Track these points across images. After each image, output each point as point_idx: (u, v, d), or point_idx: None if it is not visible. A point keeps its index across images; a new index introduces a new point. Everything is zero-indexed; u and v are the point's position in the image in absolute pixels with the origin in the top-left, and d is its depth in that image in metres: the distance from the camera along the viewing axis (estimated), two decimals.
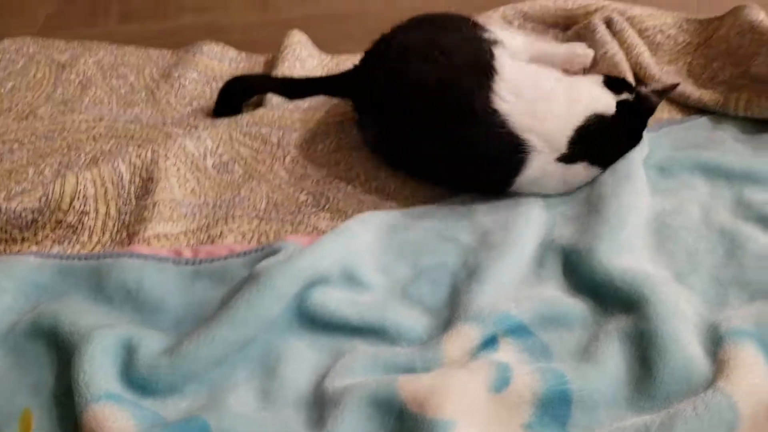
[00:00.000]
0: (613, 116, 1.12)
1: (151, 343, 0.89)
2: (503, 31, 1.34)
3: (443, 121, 1.09)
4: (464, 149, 1.09)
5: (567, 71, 1.31)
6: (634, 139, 1.15)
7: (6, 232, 1.08)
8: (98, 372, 0.83)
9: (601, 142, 1.11)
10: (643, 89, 1.17)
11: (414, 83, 1.11)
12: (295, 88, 1.35)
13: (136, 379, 0.86)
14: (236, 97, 1.36)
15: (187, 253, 1.06)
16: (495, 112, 1.07)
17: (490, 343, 0.89)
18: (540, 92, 1.11)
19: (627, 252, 0.98)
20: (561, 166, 1.09)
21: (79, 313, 0.92)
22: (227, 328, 0.88)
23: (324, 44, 1.57)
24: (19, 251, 1.07)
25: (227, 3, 1.79)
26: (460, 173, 1.12)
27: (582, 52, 1.39)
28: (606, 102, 1.13)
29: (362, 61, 1.27)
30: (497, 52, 1.14)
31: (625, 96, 1.16)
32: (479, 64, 1.11)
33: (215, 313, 0.91)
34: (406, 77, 1.12)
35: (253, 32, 1.67)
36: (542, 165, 1.08)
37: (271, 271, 0.92)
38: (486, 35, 1.20)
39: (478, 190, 1.14)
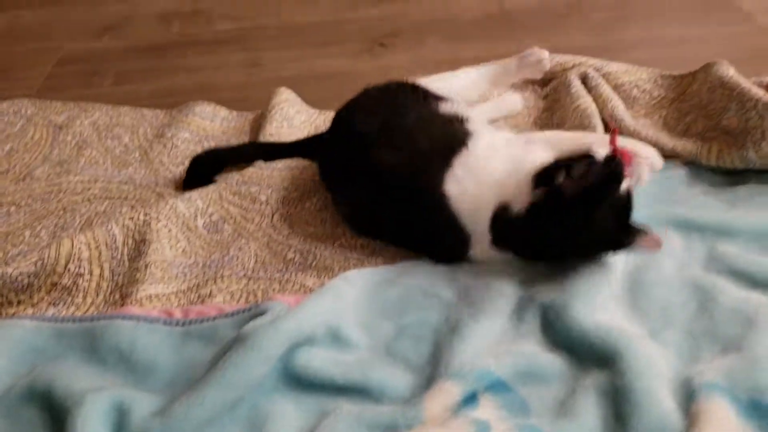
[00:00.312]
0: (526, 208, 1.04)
1: (143, 405, 0.91)
2: (455, 78, 1.42)
3: (398, 201, 1.14)
4: (417, 229, 1.14)
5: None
6: (556, 234, 1.05)
7: (2, 295, 1.11)
8: None
9: (512, 235, 1.08)
10: (561, 179, 1.02)
11: (372, 165, 1.16)
12: (267, 153, 1.41)
13: None
14: (206, 171, 1.40)
15: (178, 314, 1.08)
16: (444, 197, 1.09)
17: (470, 400, 0.92)
18: (486, 177, 1.09)
19: (602, 309, 1.02)
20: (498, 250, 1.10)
21: (72, 377, 0.95)
22: (216, 390, 0.91)
23: (313, 102, 1.63)
24: (14, 314, 1.10)
25: (220, 63, 1.85)
26: (418, 247, 1.16)
27: (537, 57, 1.47)
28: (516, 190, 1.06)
29: (328, 133, 1.34)
30: (457, 128, 1.17)
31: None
32: (435, 148, 1.13)
33: (204, 374, 0.93)
34: (366, 160, 1.17)
35: (245, 90, 1.73)
36: (484, 249, 1.11)
37: (258, 332, 0.95)
38: (444, 108, 1.24)
39: (439, 260, 1.16)
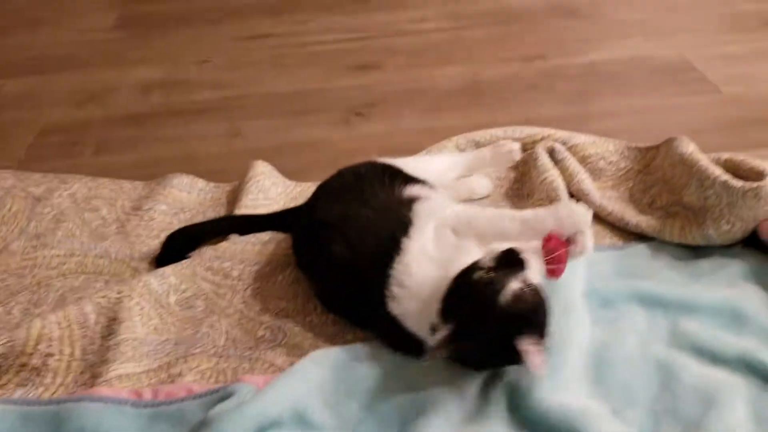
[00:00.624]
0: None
1: None
2: (431, 162, 1.46)
3: (354, 298, 1.17)
4: (376, 326, 1.16)
5: None
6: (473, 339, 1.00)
7: None
8: None
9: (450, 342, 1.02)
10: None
11: (330, 260, 1.18)
12: (242, 226, 1.43)
13: None
14: (181, 248, 1.40)
15: (148, 395, 1.09)
16: (390, 314, 1.10)
17: None
18: (422, 291, 1.08)
19: (565, 388, 1.03)
20: None
21: None
22: None
23: (291, 171, 1.66)
24: None
25: (200, 133, 1.89)
26: (381, 339, 1.17)
27: (508, 148, 1.53)
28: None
29: (300, 213, 1.36)
30: (414, 220, 1.17)
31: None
32: (385, 246, 1.13)
33: None
34: (324, 253, 1.19)
35: (224, 161, 1.75)
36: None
37: (223, 417, 0.96)
38: (407, 192, 1.26)
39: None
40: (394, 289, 1.09)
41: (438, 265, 1.09)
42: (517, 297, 0.98)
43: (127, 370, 1.14)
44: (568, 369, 1.07)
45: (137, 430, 1.03)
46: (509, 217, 1.13)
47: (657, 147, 1.53)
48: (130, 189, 1.63)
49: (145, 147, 1.85)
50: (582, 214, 1.10)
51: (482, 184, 1.52)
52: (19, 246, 1.45)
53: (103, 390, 1.09)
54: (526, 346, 0.95)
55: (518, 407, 1.03)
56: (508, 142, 1.57)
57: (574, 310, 1.16)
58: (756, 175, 1.32)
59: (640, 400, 1.04)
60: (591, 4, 2.46)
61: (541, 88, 1.98)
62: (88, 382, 1.13)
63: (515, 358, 0.96)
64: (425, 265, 1.10)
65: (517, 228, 1.10)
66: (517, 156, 1.55)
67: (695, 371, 1.07)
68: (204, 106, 2.01)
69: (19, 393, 1.10)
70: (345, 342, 1.19)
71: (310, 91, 2.06)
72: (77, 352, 1.18)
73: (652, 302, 1.21)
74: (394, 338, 1.13)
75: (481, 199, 1.51)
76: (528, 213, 1.12)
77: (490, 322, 0.98)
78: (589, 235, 1.11)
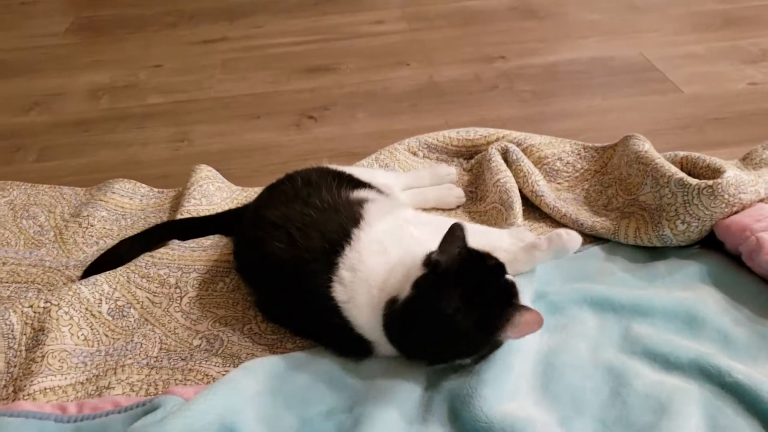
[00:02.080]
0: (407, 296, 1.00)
1: None
2: (376, 173, 1.41)
3: (295, 299, 1.11)
4: (320, 328, 1.11)
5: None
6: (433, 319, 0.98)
7: None
8: None
9: (397, 330, 1.02)
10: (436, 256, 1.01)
11: (273, 260, 1.12)
12: (183, 231, 1.37)
13: None
14: (118, 261, 1.32)
15: (72, 409, 1.02)
16: (333, 302, 1.05)
17: None
18: (372, 277, 1.05)
19: (511, 396, 0.98)
20: None
21: None
22: None
23: (240, 176, 1.60)
24: None
25: (147, 138, 1.82)
26: (324, 344, 1.12)
27: (445, 171, 1.50)
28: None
29: (243, 214, 1.31)
30: (350, 217, 1.13)
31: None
32: (334, 238, 1.10)
33: None
34: (266, 252, 1.13)
35: (170, 166, 1.69)
36: (388, 348, 1.05)
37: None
38: (356, 195, 1.21)
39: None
40: (343, 273, 1.05)
41: (392, 255, 1.06)
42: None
43: (53, 383, 1.08)
44: (513, 377, 1.01)
45: None
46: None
47: (614, 146, 1.50)
48: (70, 195, 1.57)
49: (90, 152, 1.78)
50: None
51: (449, 169, 1.50)
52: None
53: (24, 404, 1.03)
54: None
55: (460, 418, 0.98)
56: (445, 166, 1.55)
57: None
58: (713, 172, 1.29)
59: (589, 409, 0.99)
60: (551, 4, 2.45)
61: (500, 90, 1.94)
62: (10, 396, 1.06)
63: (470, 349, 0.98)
64: (377, 254, 1.06)
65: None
66: (454, 178, 1.51)
67: (647, 378, 1.02)
68: (153, 111, 1.96)
69: None
70: (285, 351, 1.13)
71: (262, 94, 2.01)
72: (1, 365, 1.11)
73: (603, 306, 1.16)
74: (337, 337, 1.08)
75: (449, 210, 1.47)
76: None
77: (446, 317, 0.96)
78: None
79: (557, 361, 1.06)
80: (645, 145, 1.39)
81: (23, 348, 1.14)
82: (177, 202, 1.50)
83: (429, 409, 1.00)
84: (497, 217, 1.37)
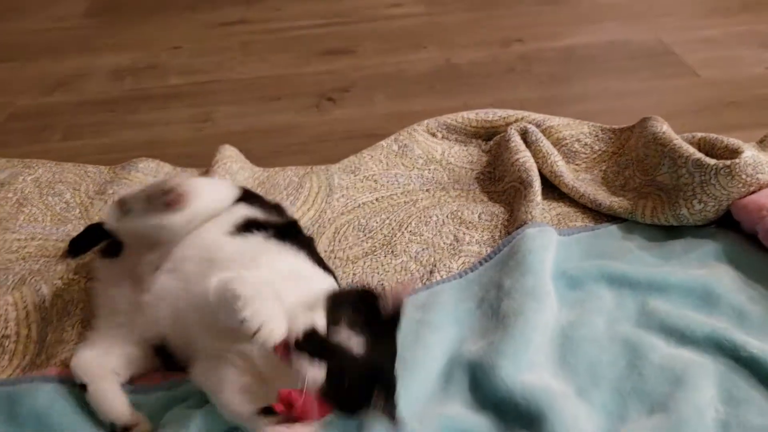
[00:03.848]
0: None
1: None
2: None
3: None
4: None
5: None
6: None
7: None
8: None
9: None
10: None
11: None
12: None
13: None
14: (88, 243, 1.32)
15: None
16: None
17: None
18: None
19: (529, 368, 1.01)
20: None
21: None
22: None
23: (260, 156, 1.63)
24: None
25: (170, 118, 1.85)
26: None
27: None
28: None
29: None
30: None
31: None
32: None
33: None
34: None
35: (192, 146, 1.72)
36: None
37: None
38: None
39: None
40: None
41: None
42: None
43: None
44: (532, 349, 1.04)
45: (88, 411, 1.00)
46: None
47: (631, 128, 1.51)
48: (94, 173, 1.60)
49: (114, 132, 1.82)
50: None
51: None
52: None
53: (55, 370, 1.06)
54: None
55: (481, 388, 1.01)
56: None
57: (540, 292, 1.13)
58: (730, 153, 1.31)
59: (606, 380, 1.02)
60: None
61: (518, 72, 1.96)
62: (44, 364, 1.10)
63: None
64: None
65: None
66: None
67: (663, 351, 1.05)
68: (174, 92, 1.99)
69: None
70: None
71: (281, 76, 2.03)
72: (33, 334, 1.15)
73: (620, 282, 1.18)
74: None
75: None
76: None
77: None
78: None
79: (575, 334, 1.09)
80: (663, 127, 1.40)
81: (54, 318, 1.18)
82: None
83: (450, 380, 1.03)
84: (515, 196, 1.39)
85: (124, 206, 1.06)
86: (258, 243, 1.05)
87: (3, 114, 1.92)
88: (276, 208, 1.20)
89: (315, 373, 0.82)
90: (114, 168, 1.60)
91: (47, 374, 1.05)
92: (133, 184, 1.53)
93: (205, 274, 0.96)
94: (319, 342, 0.84)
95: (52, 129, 1.84)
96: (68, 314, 1.17)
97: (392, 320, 0.92)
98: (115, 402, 0.98)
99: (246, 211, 1.11)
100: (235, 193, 1.14)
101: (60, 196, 1.53)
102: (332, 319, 0.87)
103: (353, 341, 0.86)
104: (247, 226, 1.07)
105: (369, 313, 0.90)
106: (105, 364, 1.02)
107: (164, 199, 1.01)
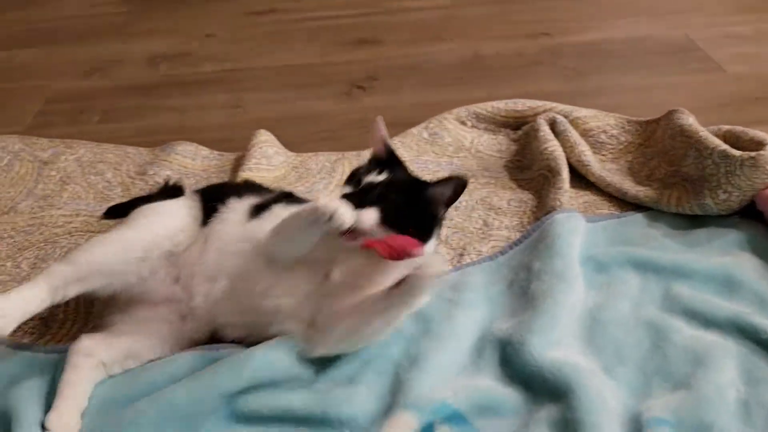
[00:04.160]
0: None
1: None
2: None
3: None
4: None
5: None
6: None
7: None
8: None
9: None
10: None
11: None
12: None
13: None
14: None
15: None
16: None
17: (427, 430, 0.95)
18: None
19: (557, 345, 1.05)
20: None
21: (29, 405, 0.98)
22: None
23: (291, 143, 1.67)
24: None
25: (203, 103, 1.91)
26: None
27: None
28: None
29: None
30: None
31: None
32: None
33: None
34: None
35: (226, 131, 1.77)
36: None
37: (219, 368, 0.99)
38: None
39: None
40: None
41: None
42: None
43: None
44: (560, 328, 1.08)
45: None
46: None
47: (657, 120, 1.55)
48: (134, 155, 1.65)
49: (149, 116, 1.87)
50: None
51: None
52: (27, 206, 1.48)
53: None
54: None
55: (511, 363, 1.05)
56: None
57: (568, 274, 1.17)
58: (756, 145, 1.34)
59: (630, 359, 1.06)
60: None
61: (544, 65, 1.99)
62: (92, 332, 1.14)
63: None
64: None
65: None
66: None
67: (686, 333, 1.09)
68: (207, 78, 2.04)
69: (27, 340, 1.14)
70: None
71: (311, 65, 2.08)
72: (82, 305, 1.20)
73: (645, 267, 1.22)
74: None
75: None
76: None
77: None
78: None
79: (601, 316, 1.13)
80: (689, 119, 1.44)
81: None
82: (238, 164, 1.58)
83: (481, 355, 1.08)
84: (544, 184, 1.43)
85: None
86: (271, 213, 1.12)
87: (43, 96, 1.98)
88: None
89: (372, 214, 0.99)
90: (153, 150, 1.66)
91: None
92: (172, 166, 1.58)
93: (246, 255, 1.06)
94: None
95: (90, 112, 1.90)
96: None
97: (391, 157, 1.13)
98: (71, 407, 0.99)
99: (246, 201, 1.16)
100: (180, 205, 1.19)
101: (101, 176, 1.59)
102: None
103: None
104: (256, 210, 1.13)
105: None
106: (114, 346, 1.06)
107: None
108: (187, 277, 1.09)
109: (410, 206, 1.03)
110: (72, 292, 1.03)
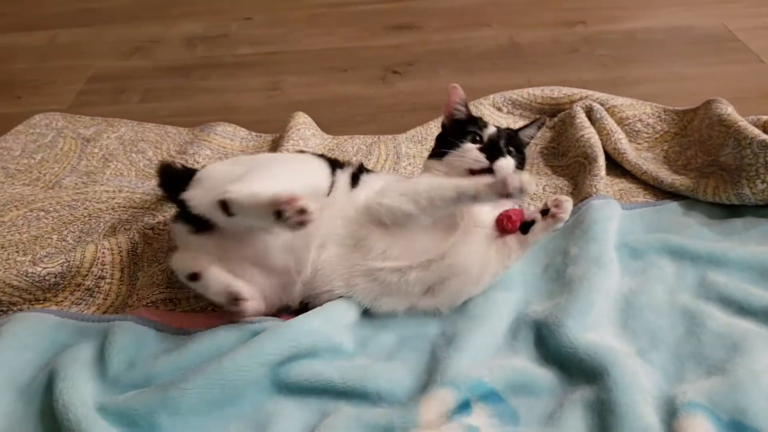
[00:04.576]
0: None
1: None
2: None
3: None
4: None
5: None
6: None
7: (30, 293, 1.18)
8: None
9: None
10: None
11: None
12: None
13: None
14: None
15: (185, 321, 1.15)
16: None
17: (464, 407, 0.97)
18: None
19: (593, 328, 1.07)
20: None
21: (78, 372, 1.01)
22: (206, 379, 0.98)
23: (327, 125, 1.70)
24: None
25: (241, 85, 1.94)
26: None
27: None
28: None
29: None
30: None
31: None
32: None
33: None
34: None
35: (263, 113, 1.80)
36: None
37: (262, 337, 1.02)
38: None
39: None
40: None
41: None
42: None
43: (172, 294, 1.20)
44: (595, 311, 1.10)
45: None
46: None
47: (695, 110, 1.54)
48: (174, 134, 1.69)
49: (188, 96, 1.91)
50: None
51: None
52: (71, 181, 1.52)
53: (148, 311, 1.15)
54: None
55: (546, 344, 1.07)
56: None
57: (604, 260, 1.18)
58: None
59: (665, 344, 1.07)
60: None
61: (580, 53, 1.99)
62: (135, 304, 1.19)
63: None
64: None
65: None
66: None
67: (721, 320, 1.09)
68: (244, 61, 2.07)
69: (74, 310, 1.18)
70: None
71: (347, 49, 2.10)
72: (126, 277, 1.24)
73: (681, 255, 1.23)
74: None
75: None
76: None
77: None
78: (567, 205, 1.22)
79: (636, 301, 1.14)
80: (728, 109, 1.43)
81: (145, 263, 1.27)
82: (275, 145, 1.61)
83: (516, 336, 1.09)
84: (579, 170, 1.44)
85: (228, 209, 1.00)
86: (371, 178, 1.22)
87: (84, 76, 2.02)
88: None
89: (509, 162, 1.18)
90: (193, 130, 1.69)
91: (138, 314, 1.14)
92: (212, 145, 1.61)
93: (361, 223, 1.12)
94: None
95: (130, 91, 1.94)
96: (157, 261, 1.26)
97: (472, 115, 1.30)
98: (230, 278, 1.05)
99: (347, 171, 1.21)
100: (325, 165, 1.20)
101: (143, 153, 1.62)
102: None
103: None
104: (354, 178, 1.20)
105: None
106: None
107: (290, 221, 0.95)
108: (301, 247, 1.11)
109: (518, 150, 1.23)
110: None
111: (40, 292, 1.18)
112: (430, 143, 1.59)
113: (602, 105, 1.59)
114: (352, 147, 1.60)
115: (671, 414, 0.94)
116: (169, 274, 1.22)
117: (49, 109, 1.80)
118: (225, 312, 1.10)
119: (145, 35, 2.23)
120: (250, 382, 0.99)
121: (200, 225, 1.08)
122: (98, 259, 1.24)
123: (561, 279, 1.17)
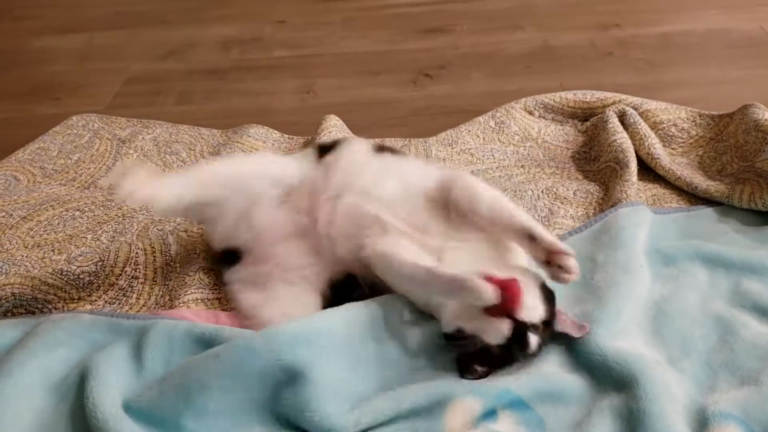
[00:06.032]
0: None
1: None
2: None
3: None
4: None
5: None
6: None
7: (65, 291, 1.21)
8: None
9: None
10: None
11: None
12: None
13: None
14: None
15: (223, 318, 1.16)
16: None
17: (489, 414, 0.97)
18: None
19: (623, 336, 1.06)
20: None
21: (112, 371, 1.02)
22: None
23: (360, 128, 1.70)
24: (74, 309, 1.20)
25: (275, 88, 1.96)
26: None
27: None
28: None
29: None
30: None
31: None
32: None
33: None
34: None
35: (297, 115, 1.82)
36: None
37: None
38: None
39: None
40: None
41: None
42: None
43: (203, 295, 1.21)
44: (624, 319, 1.08)
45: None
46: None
47: (731, 114, 1.52)
48: (208, 136, 1.71)
49: (223, 99, 1.93)
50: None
51: None
52: (106, 182, 1.55)
53: (181, 311, 1.16)
54: None
55: (575, 351, 1.06)
56: None
57: (632, 266, 1.17)
58: None
59: (697, 352, 1.05)
60: None
61: (615, 57, 1.98)
62: (167, 304, 1.21)
63: None
64: None
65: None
66: None
67: (755, 329, 1.07)
68: (278, 64, 2.09)
69: (108, 309, 1.20)
70: None
71: (381, 52, 2.11)
72: (159, 277, 1.26)
73: (715, 262, 1.21)
74: None
75: None
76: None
77: None
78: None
79: (668, 308, 1.12)
80: (765, 114, 1.41)
81: (177, 264, 1.29)
82: (307, 148, 1.61)
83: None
84: (611, 176, 1.42)
85: None
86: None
87: (121, 78, 2.06)
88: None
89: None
90: (226, 132, 1.71)
91: (171, 314, 1.15)
92: (245, 147, 1.63)
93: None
94: None
95: (165, 93, 1.97)
96: (190, 261, 1.28)
97: None
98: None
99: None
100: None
101: (177, 155, 1.65)
102: None
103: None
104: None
105: None
106: None
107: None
108: (311, 206, 1.16)
109: None
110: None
111: (75, 291, 1.21)
112: (461, 146, 1.59)
113: (636, 109, 1.57)
114: None
115: (702, 424, 0.93)
116: (201, 275, 1.24)
117: (87, 110, 1.84)
118: None
119: (180, 38, 2.27)
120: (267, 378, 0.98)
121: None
122: (132, 259, 1.26)
123: (589, 285, 1.16)
